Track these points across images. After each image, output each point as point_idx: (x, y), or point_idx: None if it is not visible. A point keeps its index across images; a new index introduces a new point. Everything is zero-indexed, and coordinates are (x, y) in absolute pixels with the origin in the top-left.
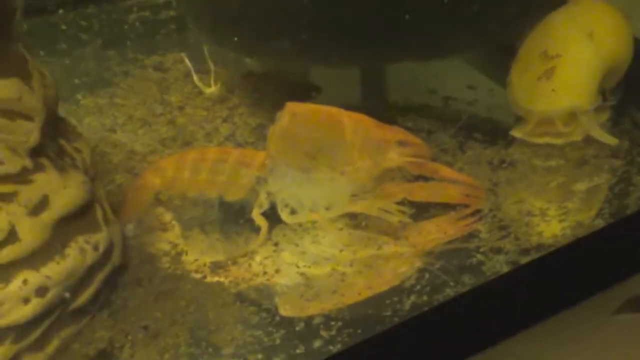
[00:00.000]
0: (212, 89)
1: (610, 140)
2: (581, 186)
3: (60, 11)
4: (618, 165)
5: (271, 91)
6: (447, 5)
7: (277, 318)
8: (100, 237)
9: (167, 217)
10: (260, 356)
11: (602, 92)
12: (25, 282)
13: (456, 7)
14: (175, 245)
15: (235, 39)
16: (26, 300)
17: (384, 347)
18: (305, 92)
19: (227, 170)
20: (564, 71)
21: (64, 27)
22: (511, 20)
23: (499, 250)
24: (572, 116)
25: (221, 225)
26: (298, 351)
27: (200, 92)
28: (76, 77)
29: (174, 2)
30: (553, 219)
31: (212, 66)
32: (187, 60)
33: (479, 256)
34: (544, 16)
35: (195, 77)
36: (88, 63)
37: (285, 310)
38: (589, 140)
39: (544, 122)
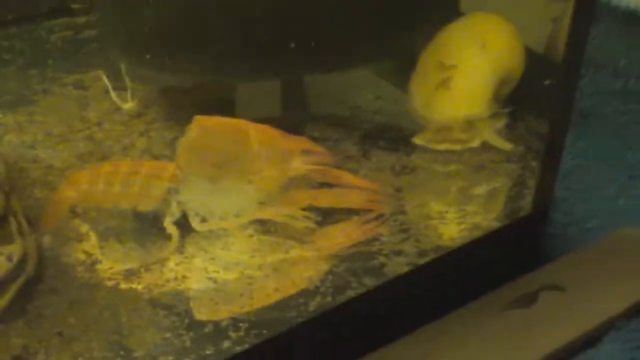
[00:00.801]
0: (129, 105)
1: (505, 146)
2: (479, 190)
3: None
4: (513, 169)
5: (187, 106)
6: (355, 17)
7: (187, 321)
8: (14, 249)
9: (83, 228)
10: (170, 358)
11: (497, 101)
12: None
13: (365, 19)
14: (90, 255)
15: (148, 56)
16: None
17: (286, 346)
18: (220, 106)
19: (139, 181)
20: (459, 80)
21: None
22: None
23: (399, 253)
24: (469, 123)
25: (135, 234)
26: (207, 352)
27: (118, 109)
28: None
29: (93, 22)
30: (452, 221)
31: (128, 83)
32: (104, 78)
33: (381, 258)
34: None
35: (112, 94)
36: (9, 82)
37: (198, 314)
38: (485, 146)
39: (443, 130)
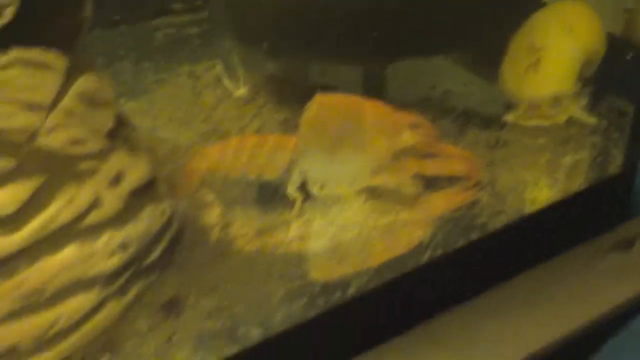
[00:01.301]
0: (241, 91)
1: (590, 120)
2: (567, 160)
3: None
4: (597, 141)
5: (291, 90)
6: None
7: (309, 274)
8: (166, 206)
9: (213, 195)
10: (305, 300)
11: (581, 80)
12: (110, 239)
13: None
14: (222, 218)
15: (260, 45)
16: (112, 254)
17: (402, 290)
18: (321, 90)
19: (264, 153)
20: (548, 61)
21: (99, 44)
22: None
23: (499, 213)
24: (556, 100)
25: (261, 200)
26: (336, 295)
27: (230, 95)
28: (116, 86)
29: (193, 21)
30: (544, 187)
31: (240, 71)
32: (219, 67)
33: (483, 218)
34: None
35: (226, 81)
36: (126, 74)
37: (317, 269)
38: (571, 121)
39: (533, 107)
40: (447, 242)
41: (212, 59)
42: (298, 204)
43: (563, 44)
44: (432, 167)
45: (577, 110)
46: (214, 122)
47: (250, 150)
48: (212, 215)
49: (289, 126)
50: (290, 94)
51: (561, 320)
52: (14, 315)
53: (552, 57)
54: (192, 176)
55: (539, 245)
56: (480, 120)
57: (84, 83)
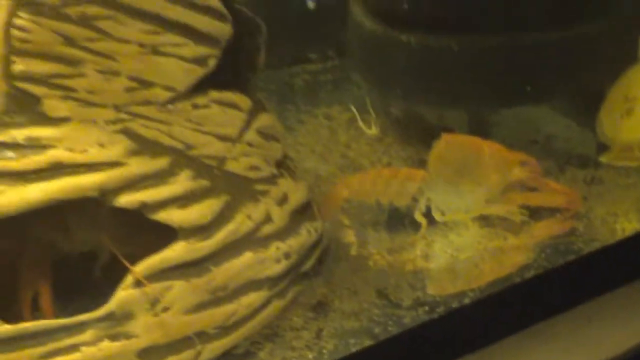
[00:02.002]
0: (373, 131)
1: None
2: None
3: None
4: None
5: (414, 131)
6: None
7: (430, 287)
8: (318, 224)
9: (350, 218)
10: (426, 308)
11: None
12: (277, 249)
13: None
14: (358, 237)
15: (399, 90)
16: (278, 261)
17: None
18: (439, 132)
19: (397, 183)
20: (639, 110)
21: None
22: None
23: (593, 240)
24: None
25: (391, 223)
26: (454, 305)
27: (362, 134)
28: None
29: (326, 69)
30: (632, 220)
31: (372, 113)
32: (353, 109)
33: (579, 244)
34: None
35: (360, 122)
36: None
37: (436, 282)
38: None
39: (625, 149)
40: (548, 263)
41: (344, 102)
42: (423, 227)
43: None
44: (536, 199)
45: None
46: (349, 157)
47: (385, 180)
48: (350, 235)
49: (413, 161)
50: (413, 134)
51: None
52: (205, 305)
53: None
54: (334, 201)
55: (628, 266)
56: (578, 161)
57: (262, 120)
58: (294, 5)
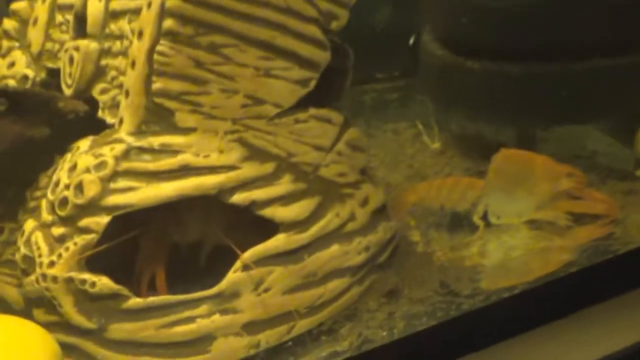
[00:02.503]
0: (436, 145)
1: None
2: None
3: None
4: None
5: (472, 145)
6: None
7: (484, 282)
8: (392, 224)
9: (417, 220)
10: (481, 297)
11: None
12: (359, 243)
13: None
14: (423, 236)
15: (462, 109)
16: (359, 253)
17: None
18: (495, 146)
19: (459, 190)
20: None
21: None
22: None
23: (629, 242)
24: None
25: (453, 225)
26: (505, 295)
27: (426, 148)
28: None
29: (393, 88)
30: None
31: (436, 129)
32: (419, 125)
33: (617, 246)
34: None
35: (425, 137)
36: None
37: (492, 277)
38: None
39: None
40: (589, 261)
41: (409, 119)
42: (481, 229)
43: None
44: (580, 207)
45: None
46: (415, 168)
47: (448, 188)
48: (416, 234)
49: (472, 172)
50: (472, 148)
51: None
52: (298, 288)
53: None
54: (403, 205)
55: None
56: (618, 174)
57: (350, 134)
58: (363, 30)
